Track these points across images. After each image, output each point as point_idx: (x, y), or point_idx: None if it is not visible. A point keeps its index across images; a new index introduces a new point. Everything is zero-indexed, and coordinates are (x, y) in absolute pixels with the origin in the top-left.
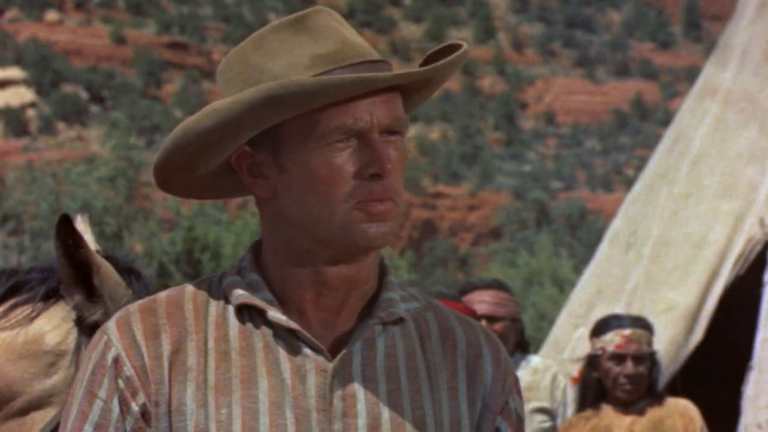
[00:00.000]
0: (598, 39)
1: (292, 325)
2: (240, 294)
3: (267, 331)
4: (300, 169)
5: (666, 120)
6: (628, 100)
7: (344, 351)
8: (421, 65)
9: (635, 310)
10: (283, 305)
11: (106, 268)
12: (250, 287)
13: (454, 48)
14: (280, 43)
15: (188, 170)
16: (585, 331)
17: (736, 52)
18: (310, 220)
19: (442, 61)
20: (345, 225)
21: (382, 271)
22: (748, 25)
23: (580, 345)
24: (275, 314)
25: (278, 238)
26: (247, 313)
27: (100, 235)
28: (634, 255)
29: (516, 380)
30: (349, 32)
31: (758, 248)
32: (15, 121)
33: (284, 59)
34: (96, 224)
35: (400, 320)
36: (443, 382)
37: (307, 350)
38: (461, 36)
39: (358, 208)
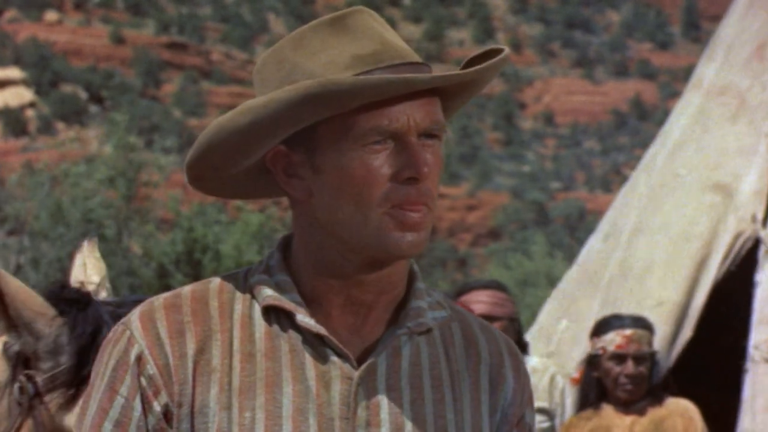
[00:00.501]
0: (597, 39)
1: (321, 330)
2: (269, 294)
3: (294, 334)
4: (335, 170)
5: (665, 120)
6: (627, 100)
7: (370, 360)
8: (462, 69)
9: (610, 300)
10: (311, 307)
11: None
12: (279, 288)
13: (495, 52)
14: (320, 42)
15: (221, 169)
16: (567, 323)
17: (723, 45)
18: (343, 224)
19: (482, 65)
20: (378, 232)
21: (411, 277)
22: (737, 20)
23: (565, 337)
24: (304, 318)
25: (310, 240)
26: (275, 315)
27: (100, 237)
28: (612, 244)
29: (531, 393)
30: (390, 34)
31: (749, 244)
32: (14, 121)
33: (323, 58)
34: (96, 225)
35: (427, 330)
36: (466, 392)
37: (333, 357)
38: (460, 36)
39: (391, 215)
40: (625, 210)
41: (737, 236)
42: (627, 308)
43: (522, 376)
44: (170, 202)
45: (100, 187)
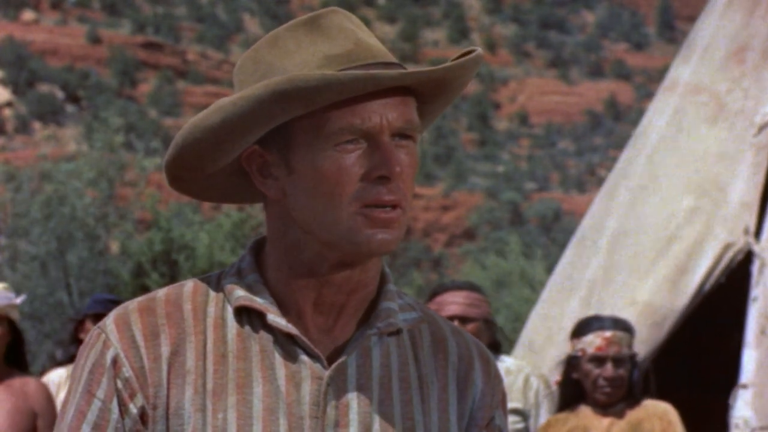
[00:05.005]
0: (571, 40)
1: (292, 330)
2: (240, 295)
3: (265, 335)
4: (308, 169)
5: (640, 121)
6: (602, 100)
7: (340, 360)
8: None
9: (594, 303)
10: (282, 307)
11: None
12: (251, 289)
13: (471, 53)
14: (295, 42)
15: (198, 169)
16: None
17: (699, 47)
18: (316, 223)
19: (451, 63)
20: (349, 230)
21: (382, 279)
22: (714, 20)
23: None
24: (275, 318)
25: (284, 240)
26: (246, 316)
27: (85, 236)
28: (591, 248)
29: (504, 395)
30: (364, 34)
31: (740, 257)
32: None
33: (297, 58)
34: (78, 224)
35: (397, 331)
36: (434, 394)
37: (303, 357)
38: (435, 36)
39: (362, 214)
40: (605, 215)
41: (727, 247)
42: (609, 311)
43: (492, 379)
44: (149, 201)
45: (86, 187)
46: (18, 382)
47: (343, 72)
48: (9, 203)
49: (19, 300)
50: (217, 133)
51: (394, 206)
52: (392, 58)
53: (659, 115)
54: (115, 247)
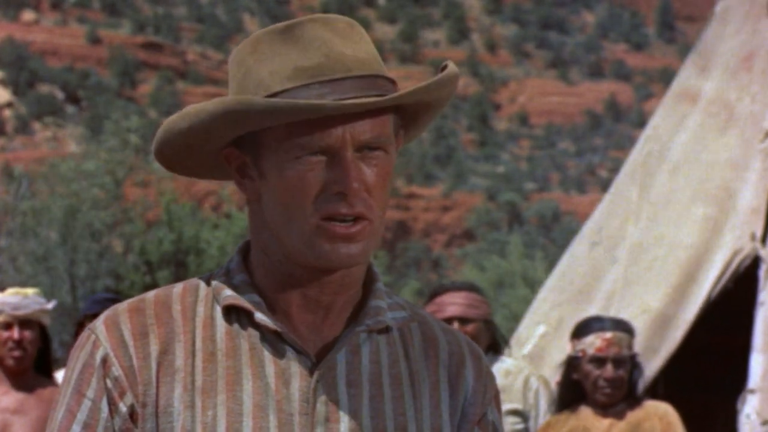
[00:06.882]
0: (571, 40)
1: (278, 327)
2: (228, 295)
3: (253, 333)
4: (275, 177)
5: (639, 121)
6: (602, 101)
7: (329, 356)
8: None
9: (612, 313)
10: (270, 307)
11: None
12: (238, 288)
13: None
14: (270, 50)
15: (182, 162)
16: (544, 328)
17: (719, 60)
18: (283, 230)
19: (406, 91)
20: (311, 241)
21: (371, 277)
22: (722, 29)
23: (542, 342)
24: (262, 316)
25: (261, 241)
26: (235, 315)
27: (92, 236)
28: (605, 255)
29: (496, 393)
30: (345, 42)
31: (747, 262)
32: None
33: (270, 66)
34: (83, 224)
35: (386, 329)
36: (425, 391)
37: (292, 354)
38: (435, 37)
39: (321, 227)
40: (619, 222)
41: (735, 253)
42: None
43: (484, 376)
44: (167, 196)
45: (93, 188)
46: (49, 391)
47: (284, 101)
48: (11, 202)
49: (50, 305)
50: (185, 137)
51: (356, 219)
52: (371, 69)
53: (675, 127)
54: (119, 246)
